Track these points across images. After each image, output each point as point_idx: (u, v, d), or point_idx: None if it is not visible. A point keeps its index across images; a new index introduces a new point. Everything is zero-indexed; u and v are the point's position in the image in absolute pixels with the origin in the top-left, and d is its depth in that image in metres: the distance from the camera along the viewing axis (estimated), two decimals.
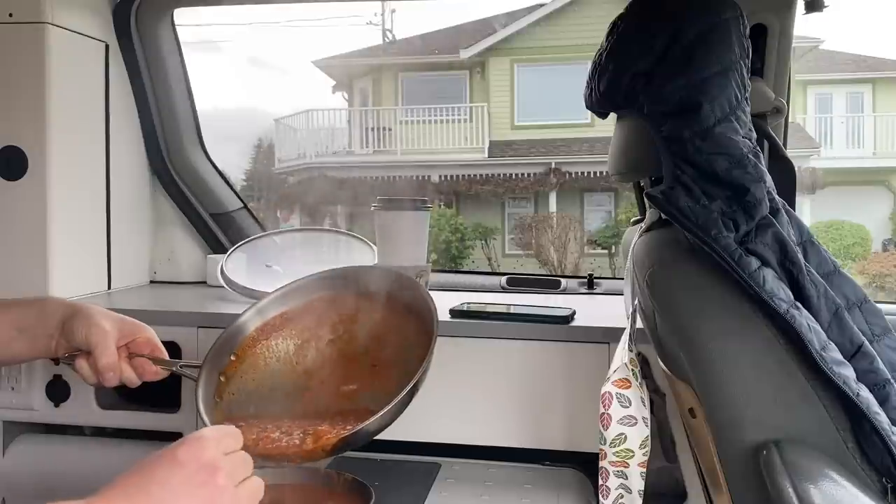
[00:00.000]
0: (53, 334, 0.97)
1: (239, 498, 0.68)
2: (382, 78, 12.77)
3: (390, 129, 12.35)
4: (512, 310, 1.31)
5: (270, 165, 12.93)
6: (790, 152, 1.08)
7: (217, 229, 1.73)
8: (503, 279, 1.69)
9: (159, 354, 0.99)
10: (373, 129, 12.46)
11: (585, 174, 11.26)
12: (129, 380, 0.97)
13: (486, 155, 11.92)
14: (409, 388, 0.85)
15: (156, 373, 0.98)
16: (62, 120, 1.40)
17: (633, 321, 0.98)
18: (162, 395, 1.27)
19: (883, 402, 0.78)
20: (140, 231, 1.68)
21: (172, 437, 1.37)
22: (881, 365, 0.81)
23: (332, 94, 13.71)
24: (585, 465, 1.22)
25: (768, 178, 0.84)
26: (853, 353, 0.81)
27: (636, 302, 0.96)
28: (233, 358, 0.98)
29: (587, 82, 0.97)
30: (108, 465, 1.39)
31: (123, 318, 0.99)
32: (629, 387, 0.95)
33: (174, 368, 0.98)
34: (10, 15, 1.36)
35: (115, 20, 1.55)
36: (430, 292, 1.42)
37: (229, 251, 1.59)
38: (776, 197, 0.86)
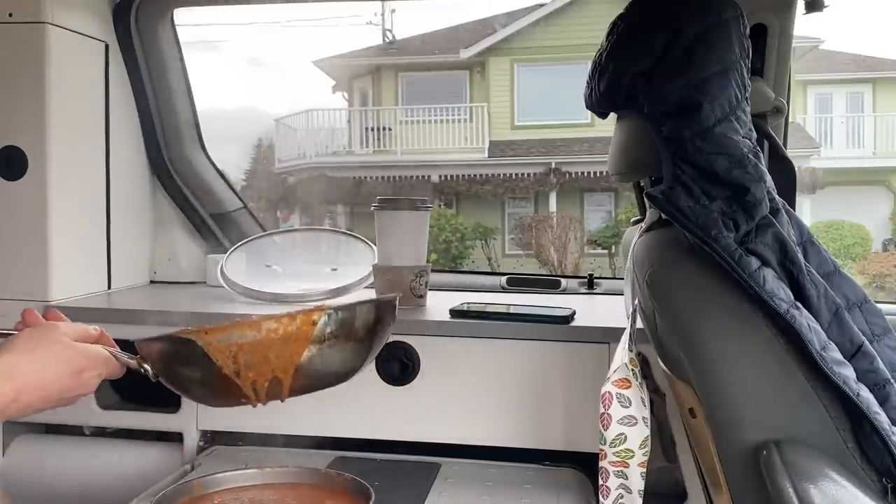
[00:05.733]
0: None
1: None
2: (382, 78, 12.74)
3: (390, 129, 12.33)
4: (512, 310, 1.31)
5: (270, 165, 12.91)
6: (790, 152, 1.08)
7: (217, 229, 1.73)
8: (503, 279, 1.69)
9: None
10: (373, 128, 12.44)
11: (585, 174, 11.24)
12: None
13: (486, 155, 11.90)
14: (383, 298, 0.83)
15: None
16: (62, 120, 1.40)
17: (633, 321, 0.98)
18: (162, 395, 1.27)
19: (883, 402, 0.78)
20: (140, 231, 1.68)
21: (172, 437, 1.38)
22: (881, 365, 0.81)
23: (331, 94, 13.70)
24: (585, 465, 1.22)
25: (768, 178, 0.84)
26: (853, 353, 0.81)
27: (636, 302, 0.96)
28: None
29: (587, 82, 0.97)
30: (108, 465, 1.40)
31: None
32: (629, 387, 0.95)
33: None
34: (10, 15, 1.36)
35: (115, 20, 1.55)
36: (430, 292, 1.43)
37: (229, 251, 1.59)
38: (776, 197, 0.86)
